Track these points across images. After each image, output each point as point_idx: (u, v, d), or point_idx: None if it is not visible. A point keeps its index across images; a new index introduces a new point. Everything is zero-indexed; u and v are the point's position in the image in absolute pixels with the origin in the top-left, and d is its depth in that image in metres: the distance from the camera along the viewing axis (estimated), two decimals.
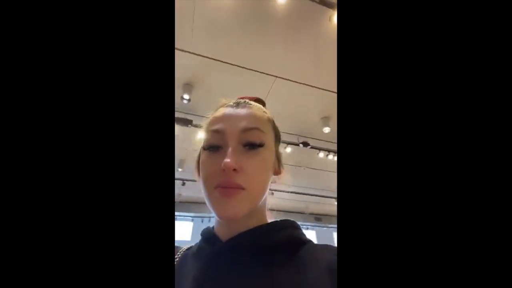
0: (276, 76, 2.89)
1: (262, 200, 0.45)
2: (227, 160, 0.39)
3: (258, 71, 2.81)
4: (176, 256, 0.48)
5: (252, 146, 0.42)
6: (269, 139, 0.45)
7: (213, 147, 0.43)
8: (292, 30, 2.38)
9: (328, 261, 0.38)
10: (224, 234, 0.45)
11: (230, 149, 0.41)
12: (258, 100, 0.52)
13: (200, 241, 0.49)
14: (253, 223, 0.44)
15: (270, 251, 0.41)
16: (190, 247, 0.51)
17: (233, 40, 2.48)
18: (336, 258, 0.37)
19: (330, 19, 2.21)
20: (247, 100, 0.48)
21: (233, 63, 2.72)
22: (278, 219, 0.46)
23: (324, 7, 2.15)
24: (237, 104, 0.47)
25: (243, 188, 0.40)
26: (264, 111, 0.48)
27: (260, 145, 0.43)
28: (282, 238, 0.43)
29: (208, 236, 0.47)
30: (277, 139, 0.49)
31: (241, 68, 2.77)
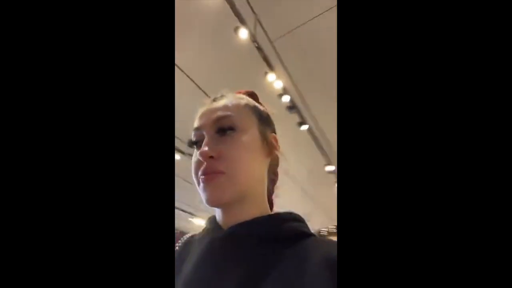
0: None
1: (256, 185, 0.46)
2: (202, 149, 0.42)
3: None
4: (179, 242, 0.50)
5: (224, 131, 0.44)
6: (245, 123, 0.46)
7: (195, 144, 0.47)
8: (204, 38, 2.40)
9: (327, 254, 0.38)
10: (225, 223, 0.45)
11: (205, 139, 0.44)
12: (248, 93, 0.54)
13: (204, 228, 0.50)
14: (253, 212, 0.45)
15: (269, 243, 0.41)
16: (195, 234, 0.52)
17: None
18: (336, 252, 0.37)
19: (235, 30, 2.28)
20: (223, 94, 0.51)
21: None
22: (282, 211, 0.47)
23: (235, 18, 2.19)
24: (214, 99, 0.50)
25: (222, 172, 0.42)
26: (240, 98, 0.50)
27: (231, 129, 0.44)
28: (283, 230, 0.43)
29: (211, 224, 0.48)
30: (262, 122, 0.49)
31: None
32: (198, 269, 0.41)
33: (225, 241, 0.43)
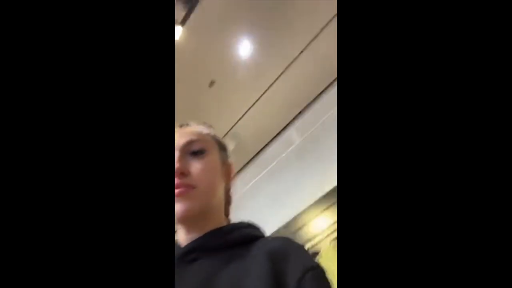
0: None
1: (216, 202, 0.53)
2: (176, 166, 0.48)
3: None
4: None
5: (194, 153, 0.51)
6: (211, 148, 0.54)
7: None
8: None
9: (270, 248, 0.43)
10: (186, 240, 0.50)
11: (176, 159, 0.49)
12: (207, 124, 0.60)
13: None
14: (212, 227, 0.50)
15: (223, 250, 0.46)
16: None
17: None
18: (279, 243, 0.44)
19: None
20: (187, 123, 0.57)
21: None
22: (236, 222, 0.53)
23: None
24: (181, 126, 0.56)
25: (193, 187, 0.48)
26: (204, 127, 0.57)
27: (200, 151, 0.52)
28: (235, 236, 0.49)
29: None
30: (221, 149, 0.57)
31: None
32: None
33: (191, 249, 0.47)
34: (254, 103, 3.29)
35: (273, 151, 3.53)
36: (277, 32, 2.81)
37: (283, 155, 3.28)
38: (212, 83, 3.00)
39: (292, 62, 3.03)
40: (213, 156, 0.53)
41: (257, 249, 0.44)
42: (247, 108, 3.34)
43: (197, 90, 3.03)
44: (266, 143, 3.61)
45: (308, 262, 0.41)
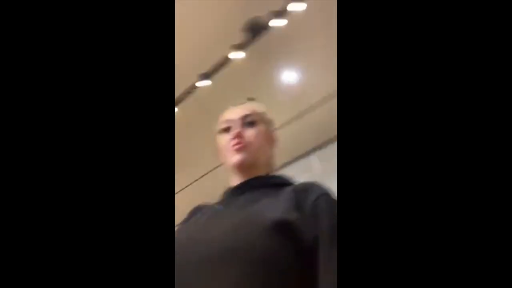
0: None
1: (262, 160, 0.72)
2: (236, 130, 0.69)
3: None
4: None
5: (248, 124, 0.71)
6: (260, 121, 0.73)
7: (225, 130, 0.73)
8: None
9: (296, 185, 0.64)
10: (236, 182, 0.70)
11: (235, 127, 0.70)
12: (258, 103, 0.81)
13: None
14: (256, 175, 0.70)
15: (266, 187, 0.66)
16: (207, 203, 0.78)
17: None
18: (304, 183, 0.63)
19: None
20: (244, 101, 0.79)
21: None
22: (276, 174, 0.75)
23: None
24: (240, 104, 0.78)
25: (249, 145, 0.68)
26: (257, 105, 0.78)
27: (252, 123, 0.71)
28: (275, 180, 0.70)
29: (227, 190, 0.73)
30: (269, 123, 0.78)
31: None
32: (224, 201, 0.68)
33: (241, 186, 0.69)
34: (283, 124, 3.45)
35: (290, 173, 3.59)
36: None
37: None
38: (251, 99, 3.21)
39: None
40: (261, 127, 0.73)
41: (287, 188, 0.63)
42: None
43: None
44: (284, 163, 3.71)
45: (323, 190, 0.59)
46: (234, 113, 0.74)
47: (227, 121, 0.74)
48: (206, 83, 2.88)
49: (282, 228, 0.52)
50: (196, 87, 2.90)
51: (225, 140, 0.72)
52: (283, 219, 0.53)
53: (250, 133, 0.70)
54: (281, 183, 0.68)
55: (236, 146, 0.68)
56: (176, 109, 2.76)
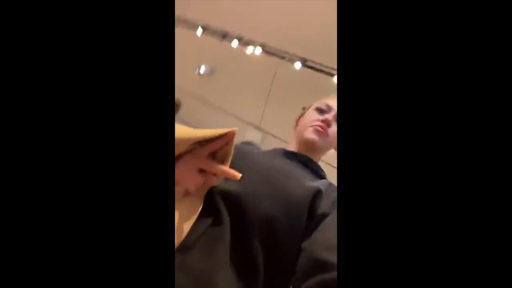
0: None
1: (321, 154, 0.83)
2: (328, 117, 0.79)
3: None
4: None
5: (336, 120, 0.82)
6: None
7: (321, 110, 0.83)
8: None
9: (318, 186, 0.65)
10: (291, 149, 0.80)
11: (329, 115, 0.80)
12: None
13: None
14: (309, 155, 0.79)
15: (302, 164, 0.74)
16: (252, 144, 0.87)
17: None
18: (325, 187, 0.65)
19: None
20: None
21: None
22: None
23: None
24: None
25: (329, 136, 0.79)
26: None
27: (335, 121, 0.82)
28: (311, 164, 0.76)
29: (277, 149, 0.82)
30: None
31: None
32: (264, 159, 0.71)
33: (294, 153, 0.78)
34: None
35: None
36: None
37: None
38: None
39: None
40: (335, 129, 0.81)
41: (314, 178, 0.69)
42: None
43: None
44: None
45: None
46: (334, 104, 0.82)
47: (327, 105, 0.82)
48: None
49: (312, 199, 0.59)
50: None
51: (315, 117, 0.81)
52: (314, 195, 0.60)
53: (333, 128, 0.80)
54: (320, 176, 0.75)
55: (320, 129, 0.77)
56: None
